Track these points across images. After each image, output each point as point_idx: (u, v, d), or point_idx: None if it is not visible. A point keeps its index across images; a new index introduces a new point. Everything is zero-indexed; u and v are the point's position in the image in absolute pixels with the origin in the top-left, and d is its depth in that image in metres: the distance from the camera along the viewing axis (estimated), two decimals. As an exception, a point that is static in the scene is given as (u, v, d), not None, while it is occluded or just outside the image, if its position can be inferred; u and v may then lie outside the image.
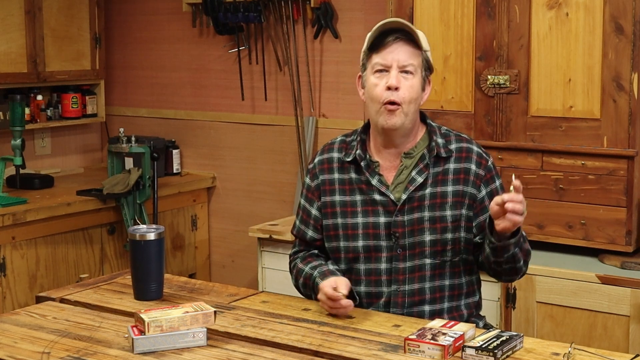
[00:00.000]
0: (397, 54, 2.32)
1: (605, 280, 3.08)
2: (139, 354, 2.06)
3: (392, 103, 2.31)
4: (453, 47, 3.46)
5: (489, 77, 3.38)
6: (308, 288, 2.44)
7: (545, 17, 3.26)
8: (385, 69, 2.33)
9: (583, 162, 3.25)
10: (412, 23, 3.49)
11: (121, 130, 4.38)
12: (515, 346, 2.07)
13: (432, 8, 3.49)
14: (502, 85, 3.36)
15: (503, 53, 3.35)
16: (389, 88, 2.31)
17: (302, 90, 4.46)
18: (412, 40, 2.34)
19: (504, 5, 3.33)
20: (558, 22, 3.24)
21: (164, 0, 4.91)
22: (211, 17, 4.55)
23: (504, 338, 2.06)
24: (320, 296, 2.32)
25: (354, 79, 4.26)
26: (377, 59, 2.33)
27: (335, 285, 2.28)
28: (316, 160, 2.52)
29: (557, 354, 2.04)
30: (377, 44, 2.34)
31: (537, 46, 3.29)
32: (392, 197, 2.37)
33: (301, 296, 2.52)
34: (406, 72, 2.32)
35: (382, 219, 2.38)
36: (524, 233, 2.32)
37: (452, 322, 2.13)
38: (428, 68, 2.39)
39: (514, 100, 3.35)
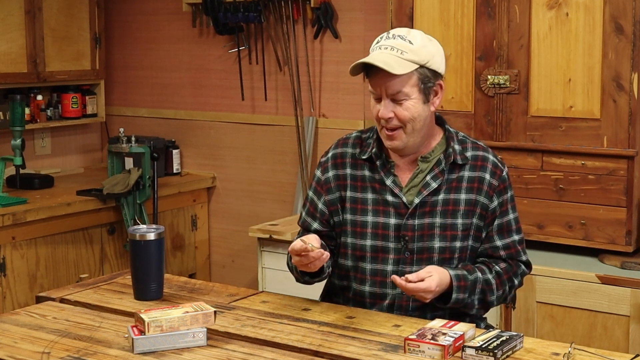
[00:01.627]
0: (384, 84, 2.28)
1: (605, 280, 3.08)
2: (139, 354, 2.06)
3: (389, 129, 2.31)
4: (453, 47, 3.45)
5: (489, 77, 3.38)
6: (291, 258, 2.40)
7: (545, 17, 3.26)
8: (378, 97, 2.31)
9: (583, 162, 3.25)
10: (412, 23, 3.50)
11: (121, 130, 4.38)
12: (515, 346, 2.07)
13: (432, 8, 3.49)
14: (502, 85, 3.36)
15: (503, 53, 3.35)
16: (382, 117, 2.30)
17: (302, 90, 4.46)
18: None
19: (504, 5, 3.33)
20: (558, 22, 3.24)
21: (164, 0, 4.91)
22: (211, 17, 4.55)
23: (504, 338, 2.06)
24: (292, 254, 2.27)
25: (353, 79, 4.31)
26: (370, 87, 2.32)
27: (304, 239, 2.25)
28: (330, 154, 2.50)
29: (557, 354, 2.04)
30: (365, 72, 2.31)
31: (537, 46, 3.29)
32: (404, 199, 2.36)
33: (301, 296, 2.52)
34: (398, 99, 2.28)
35: (392, 221, 2.37)
36: (461, 296, 2.29)
37: (452, 322, 2.13)
38: (429, 80, 2.30)
39: (514, 100, 3.35)
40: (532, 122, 3.33)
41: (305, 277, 2.41)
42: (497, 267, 2.37)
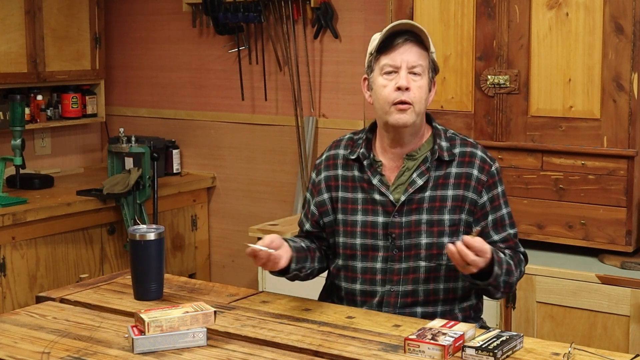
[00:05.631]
0: (407, 55, 2.32)
1: (605, 280, 3.08)
2: (139, 354, 2.06)
3: (403, 103, 2.31)
4: (453, 47, 3.46)
5: (489, 77, 3.38)
6: None
7: (545, 17, 3.26)
8: (394, 70, 2.33)
9: (583, 162, 3.25)
10: (412, 23, 3.50)
11: (121, 130, 4.38)
12: (515, 346, 2.07)
13: (432, 8, 3.49)
14: (502, 85, 3.36)
15: (503, 53, 3.35)
16: (399, 88, 2.31)
17: (302, 90, 4.46)
18: (420, 41, 2.34)
19: (504, 5, 3.33)
20: (558, 22, 3.24)
21: (164, 0, 4.91)
22: (211, 17, 4.56)
23: (504, 338, 2.06)
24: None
25: (354, 79, 4.32)
26: (386, 60, 2.33)
27: (261, 242, 2.29)
28: (324, 156, 2.54)
29: (557, 354, 2.04)
30: (385, 46, 2.34)
31: (537, 46, 3.29)
32: (391, 197, 2.38)
33: (301, 296, 2.52)
34: (415, 73, 2.33)
35: (380, 219, 2.39)
36: (499, 271, 2.28)
37: (452, 322, 2.13)
38: (434, 69, 2.40)
39: (514, 100, 3.35)
40: (532, 122, 3.33)
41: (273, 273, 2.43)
42: (507, 252, 2.38)
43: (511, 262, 2.35)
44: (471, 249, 2.16)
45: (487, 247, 2.20)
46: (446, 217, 2.37)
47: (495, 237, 2.40)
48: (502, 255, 2.32)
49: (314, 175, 2.54)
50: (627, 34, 3.11)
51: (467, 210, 2.38)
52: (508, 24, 3.33)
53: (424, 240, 2.36)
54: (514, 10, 3.31)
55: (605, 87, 3.17)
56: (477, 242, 2.18)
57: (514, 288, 2.43)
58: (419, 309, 2.38)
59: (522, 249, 2.46)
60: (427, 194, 2.37)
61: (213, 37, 4.74)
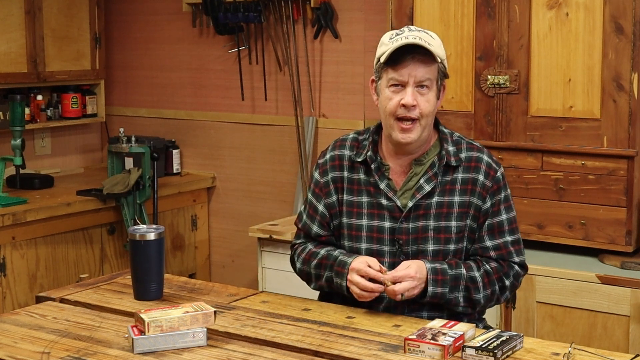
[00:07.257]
0: (414, 70, 2.27)
1: (605, 280, 3.08)
2: (139, 354, 2.06)
3: (408, 119, 2.29)
4: (453, 47, 3.45)
5: (489, 77, 3.38)
6: (323, 267, 2.39)
7: (545, 17, 3.26)
8: (400, 84, 2.29)
9: (583, 162, 3.25)
10: (412, 23, 3.50)
11: (121, 130, 4.38)
12: (515, 346, 2.07)
13: (432, 8, 3.49)
14: (502, 85, 3.36)
15: (503, 53, 3.35)
16: (404, 105, 2.28)
17: (302, 90, 4.46)
18: (428, 55, 2.29)
19: (504, 5, 3.33)
20: (558, 22, 3.24)
21: (164, 0, 4.91)
22: (211, 17, 4.56)
23: (504, 338, 2.06)
24: (351, 277, 2.29)
25: (354, 79, 4.32)
26: (393, 74, 2.29)
27: (368, 262, 2.28)
28: (327, 156, 2.48)
29: (557, 354, 2.04)
30: (393, 60, 2.29)
31: (537, 46, 3.29)
32: (398, 203, 2.35)
33: (301, 296, 2.52)
34: (422, 86, 2.29)
35: (387, 224, 2.36)
36: (440, 291, 2.29)
37: (452, 322, 2.13)
38: (443, 76, 2.35)
39: (514, 100, 3.35)
40: (532, 122, 3.33)
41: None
42: (487, 266, 2.35)
43: (478, 279, 2.33)
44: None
45: (407, 272, 2.25)
46: (453, 224, 2.35)
47: (488, 243, 2.37)
48: (459, 271, 2.31)
49: (317, 175, 2.48)
50: (627, 34, 3.11)
51: (472, 216, 2.36)
52: (508, 24, 3.33)
53: (430, 247, 2.35)
54: (514, 10, 3.31)
55: (605, 87, 3.17)
56: (397, 273, 2.25)
57: (487, 304, 2.38)
58: (425, 314, 2.37)
59: (518, 259, 2.40)
60: (435, 200, 2.35)
61: (213, 37, 4.74)
